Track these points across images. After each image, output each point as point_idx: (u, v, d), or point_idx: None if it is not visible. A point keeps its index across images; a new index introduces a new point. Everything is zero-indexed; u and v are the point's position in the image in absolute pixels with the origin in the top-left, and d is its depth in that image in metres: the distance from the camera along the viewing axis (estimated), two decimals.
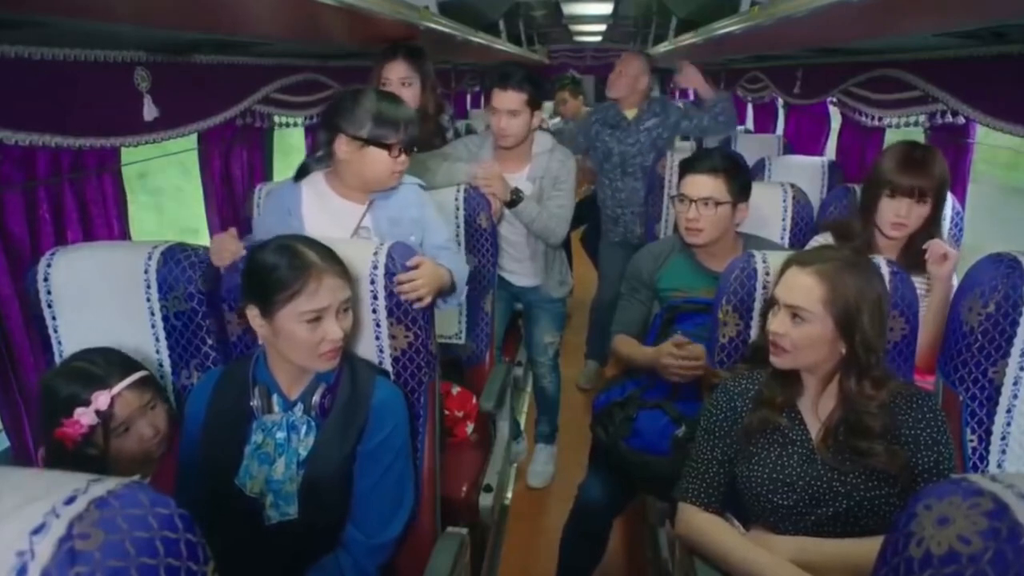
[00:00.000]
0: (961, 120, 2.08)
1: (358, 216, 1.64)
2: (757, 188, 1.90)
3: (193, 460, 1.31)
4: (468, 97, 6.25)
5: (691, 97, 7.30)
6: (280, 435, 1.29)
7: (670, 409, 1.67)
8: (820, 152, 3.38)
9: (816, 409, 1.27)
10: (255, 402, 1.30)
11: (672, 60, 4.67)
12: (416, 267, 1.42)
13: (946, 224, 1.92)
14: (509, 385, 2.30)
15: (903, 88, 2.26)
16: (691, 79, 2.92)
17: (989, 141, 2.26)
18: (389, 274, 1.40)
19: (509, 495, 2.63)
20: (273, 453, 1.28)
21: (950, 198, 1.91)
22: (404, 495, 1.36)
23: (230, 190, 2.27)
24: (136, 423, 1.33)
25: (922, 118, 2.25)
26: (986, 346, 1.30)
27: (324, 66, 2.63)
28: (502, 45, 4.21)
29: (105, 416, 1.29)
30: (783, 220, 2.14)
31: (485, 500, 1.96)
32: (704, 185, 1.78)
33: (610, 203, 3.10)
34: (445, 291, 1.58)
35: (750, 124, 4.96)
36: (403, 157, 1.60)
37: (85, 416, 1.27)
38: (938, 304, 1.65)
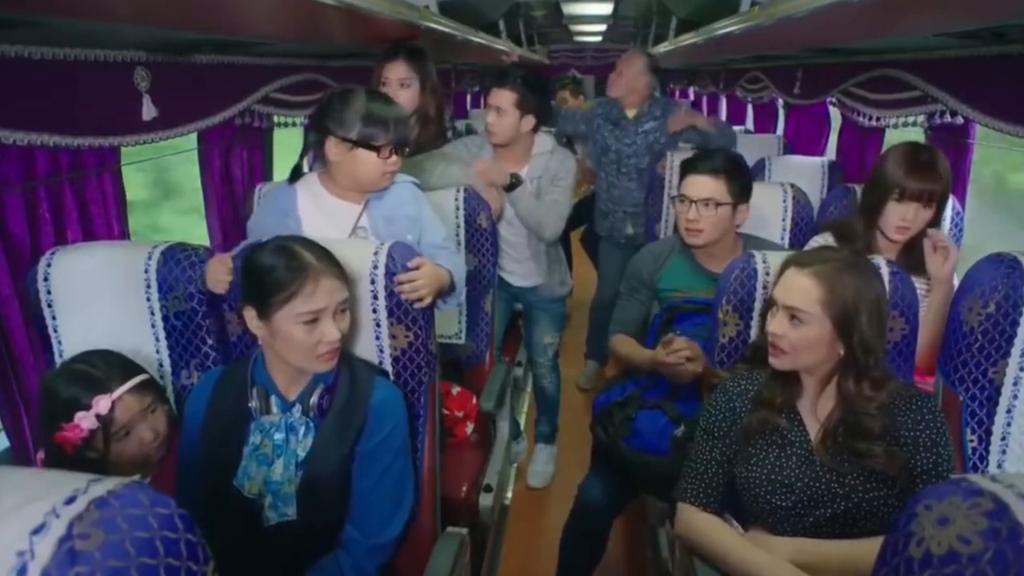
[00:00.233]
0: (960, 120, 2.08)
1: (354, 216, 1.63)
2: (757, 188, 1.90)
3: (192, 460, 1.31)
4: (468, 97, 6.25)
5: (691, 96, 7.33)
6: (278, 436, 1.28)
7: (669, 409, 1.67)
8: (820, 152, 3.38)
9: (815, 410, 1.27)
10: (253, 403, 1.30)
11: (673, 60, 4.68)
12: (417, 268, 1.42)
13: (946, 224, 1.92)
14: (509, 385, 2.30)
15: (903, 88, 2.26)
16: (682, 122, 2.89)
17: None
18: (389, 274, 1.40)
19: (509, 495, 2.63)
20: (271, 454, 1.28)
21: (950, 199, 1.91)
22: (403, 495, 1.36)
23: (230, 190, 2.26)
24: (136, 427, 1.33)
25: (922, 118, 2.25)
26: (986, 346, 1.30)
27: (324, 66, 2.63)
28: (502, 45, 4.21)
29: (106, 420, 1.28)
30: (783, 220, 2.14)
31: (485, 500, 1.96)
32: (705, 186, 1.78)
33: (604, 198, 3.14)
34: (445, 291, 1.58)
35: (750, 124, 4.95)
36: (394, 158, 1.58)
37: (86, 420, 1.26)
38: (938, 305, 1.65)
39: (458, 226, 2.08)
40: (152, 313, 1.49)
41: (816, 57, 2.96)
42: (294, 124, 2.53)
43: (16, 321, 1.48)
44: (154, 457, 1.36)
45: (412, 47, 2.15)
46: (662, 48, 4.49)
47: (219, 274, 1.43)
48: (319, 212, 1.62)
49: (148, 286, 1.47)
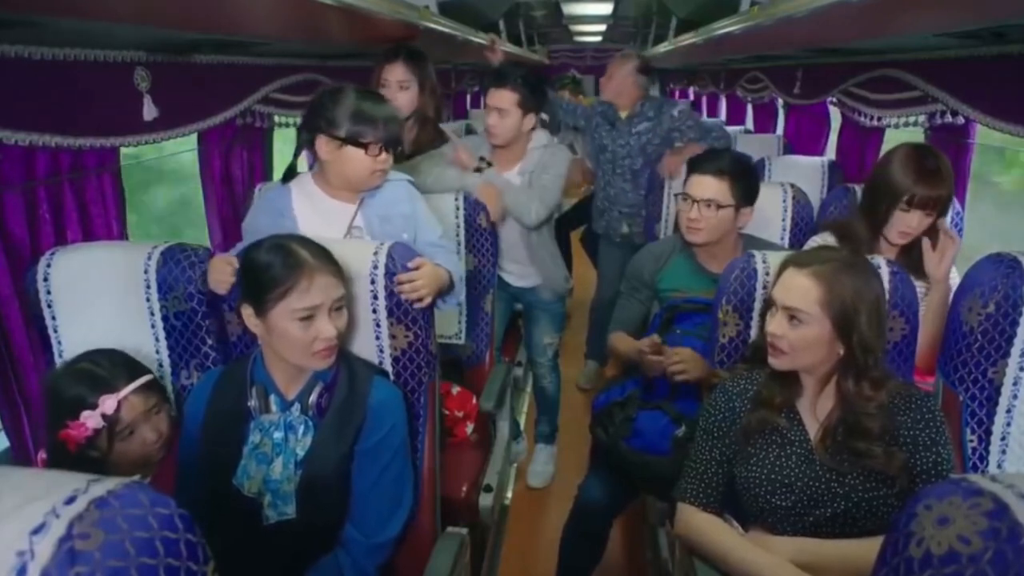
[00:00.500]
0: (961, 120, 2.08)
1: (349, 215, 1.63)
2: None
3: (192, 460, 1.31)
4: (468, 97, 6.25)
5: (691, 96, 7.33)
6: (277, 435, 1.29)
7: (670, 409, 1.67)
8: (820, 152, 3.38)
9: (815, 410, 1.27)
10: (252, 402, 1.30)
11: (673, 60, 4.67)
12: (417, 268, 1.42)
13: (946, 225, 1.92)
14: (509, 385, 2.30)
15: (903, 88, 2.26)
16: (675, 166, 2.61)
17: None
18: (389, 274, 1.40)
19: (509, 495, 2.63)
20: (271, 453, 1.28)
21: (954, 208, 1.91)
22: (403, 495, 1.36)
23: (230, 190, 2.27)
24: (140, 427, 1.33)
25: (922, 118, 2.25)
26: (986, 346, 1.30)
27: (324, 66, 2.63)
28: (502, 45, 4.20)
29: (111, 420, 1.29)
30: (783, 220, 2.14)
31: (485, 500, 1.96)
32: (708, 187, 1.78)
33: (600, 196, 3.16)
34: (444, 291, 1.58)
35: (750, 124, 4.95)
36: (384, 156, 1.57)
37: (91, 420, 1.27)
38: (937, 304, 1.65)
39: (458, 226, 2.08)
40: (152, 313, 1.49)
41: (816, 57, 2.96)
42: (295, 124, 2.53)
43: (16, 321, 1.48)
44: (155, 457, 1.36)
45: (411, 49, 2.15)
46: (662, 48, 4.49)
47: (223, 274, 1.42)
48: (314, 211, 1.62)
49: (148, 286, 1.47)
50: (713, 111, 6.53)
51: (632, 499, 1.88)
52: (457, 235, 2.08)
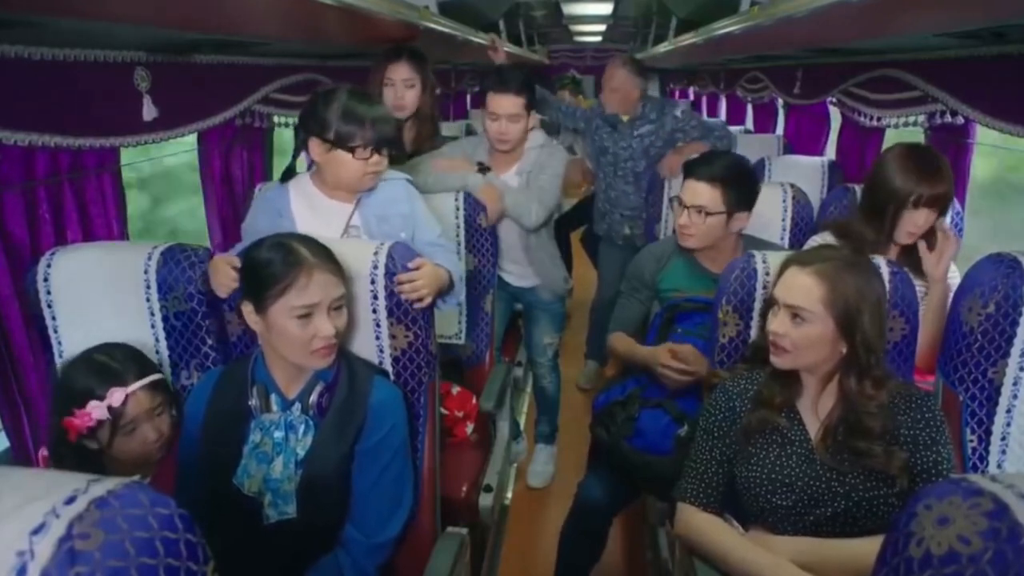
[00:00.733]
0: (961, 120, 2.08)
1: (346, 215, 1.63)
2: None
3: (193, 460, 1.31)
4: (468, 97, 6.25)
5: (691, 96, 7.33)
6: (278, 434, 1.29)
7: (672, 408, 1.67)
8: (820, 152, 3.38)
9: (815, 409, 1.27)
10: (253, 401, 1.30)
11: (673, 60, 4.67)
12: (417, 268, 1.42)
13: (945, 224, 1.92)
14: (509, 385, 2.30)
15: (903, 88, 2.26)
16: (675, 165, 2.61)
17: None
18: (389, 274, 1.40)
19: (509, 495, 2.63)
20: (271, 452, 1.28)
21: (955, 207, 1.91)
22: (403, 495, 1.36)
23: (230, 190, 2.27)
24: (142, 425, 1.34)
25: (922, 118, 2.25)
26: (986, 346, 1.30)
27: (324, 66, 2.63)
28: (503, 45, 4.20)
29: (116, 413, 1.30)
30: (783, 220, 2.14)
31: (485, 500, 1.96)
32: (699, 193, 1.77)
33: (601, 198, 3.15)
34: (444, 291, 1.58)
35: (750, 124, 4.95)
36: (376, 158, 1.56)
37: (97, 410, 1.28)
38: (936, 304, 1.65)
39: (458, 226, 2.08)
40: (152, 313, 1.49)
41: (816, 57, 2.96)
42: (295, 125, 2.53)
43: (16, 321, 1.48)
44: (153, 457, 1.37)
45: (413, 48, 2.16)
46: (662, 48, 4.49)
47: (226, 278, 1.41)
48: (312, 211, 1.62)
49: (148, 286, 1.47)
50: (713, 111, 6.53)
51: (632, 499, 1.87)
52: (457, 235, 2.08)
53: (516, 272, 2.40)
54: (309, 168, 1.71)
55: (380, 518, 1.32)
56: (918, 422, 1.21)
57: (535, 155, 2.24)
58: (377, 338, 1.44)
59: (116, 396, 1.30)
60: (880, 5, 1.35)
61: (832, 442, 1.23)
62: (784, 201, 2.14)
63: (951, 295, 1.44)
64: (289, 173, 1.68)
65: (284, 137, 2.60)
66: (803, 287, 1.22)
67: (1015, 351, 1.28)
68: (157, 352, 1.52)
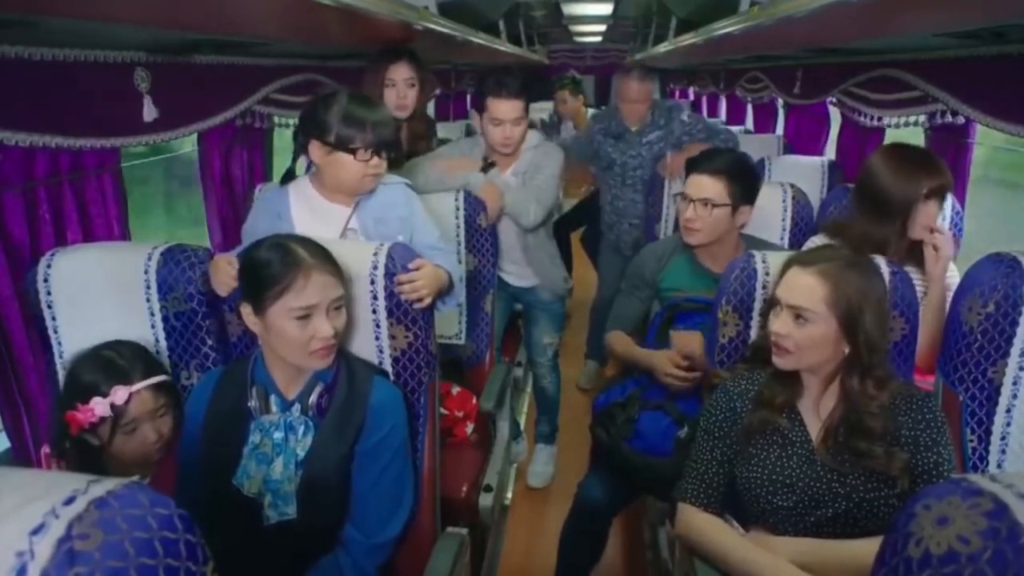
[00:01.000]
0: (961, 120, 2.08)
1: (344, 218, 1.64)
2: None
3: (193, 460, 1.31)
4: (468, 97, 6.25)
5: (691, 96, 7.32)
6: (278, 435, 1.29)
7: (672, 409, 1.67)
8: (820, 152, 3.38)
9: (816, 410, 1.27)
10: (252, 402, 1.30)
11: (672, 60, 4.67)
12: (417, 269, 1.43)
13: (946, 224, 1.92)
14: (509, 385, 2.30)
15: (903, 88, 2.26)
16: (677, 166, 2.56)
17: None
18: (389, 274, 1.40)
19: (509, 495, 2.62)
20: (271, 453, 1.28)
21: (950, 198, 1.91)
22: (403, 495, 1.36)
23: (230, 190, 2.27)
24: (143, 425, 1.34)
25: (922, 118, 2.25)
26: (986, 346, 1.30)
27: (324, 66, 2.63)
28: (502, 45, 4.21)
29: (118, 411, 1.31)
30: (783, 220, 2.14)
31: (485, 500, 1.96)
32: (704, 186, 1.78)
33: (608, 209, 3.11)
34: (444, 292, 1.58)
35: (750, 124, 4.95)
36: (375, 160, 1.57)
37: (100, 406, 1.29)
38: (935, 304, 1.65)
39: (458, 227, 2.08)
40: (152, 314, 1.49)
41: (816, 57, 2.95)
42: (295, 125, 2.53)
43: (16, 322, 1.48)
44: (152, 458, 1.37)
45: (411, 48, 2.17)
46: (662, 48, 4.48)
47: (226, 276, 1.42)
48: (311, 214, 1.63)
49: (148, 287, 1.47)
50: (713, 111, 6.53)
51: (632, 499, 1.88)
52: (457, 235, 2.08)
53: (516, 272, 2.40)
54: (307, 171, 1.71)
55: (380, 518, 1.32)
56: (919, 423, 1.21)
57: (531, 155, 2.24)
58: (377, 338, 1.44)
59: (120, 394, 1.30)
60: (880, 5, 1.34)
61: (833, 443, 1.23)
62: (784, 201, 2.14)
63: (950, 295, 1.44)
64: (289, 176, 1.68)
65: (285, 138, 2.60)
66: (806, 287, 1.21)
67: (1015, 351, 1.28)
68: (157, 352, 1.52)
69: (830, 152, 3.28)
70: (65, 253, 1.47)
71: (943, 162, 1.68)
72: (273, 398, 1.31)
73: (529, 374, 3.07)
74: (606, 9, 5.85)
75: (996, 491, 0.49)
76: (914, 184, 1.62)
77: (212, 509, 1.26)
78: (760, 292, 1.49)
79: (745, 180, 1.81)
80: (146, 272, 1.47)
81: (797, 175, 2.54)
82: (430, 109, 4.08)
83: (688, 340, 1.70)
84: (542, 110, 4.99)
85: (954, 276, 1.66)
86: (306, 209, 1.64)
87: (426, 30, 2.03)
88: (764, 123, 4.57)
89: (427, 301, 1.44)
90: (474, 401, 2.07)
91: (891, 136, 2.58)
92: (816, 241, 1.79)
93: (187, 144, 2.23)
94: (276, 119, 2.42)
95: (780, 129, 4.11)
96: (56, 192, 1.54)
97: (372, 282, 1.40)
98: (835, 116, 3.16)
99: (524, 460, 2.83)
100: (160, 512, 0.48)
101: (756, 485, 1.25)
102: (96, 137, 1.56)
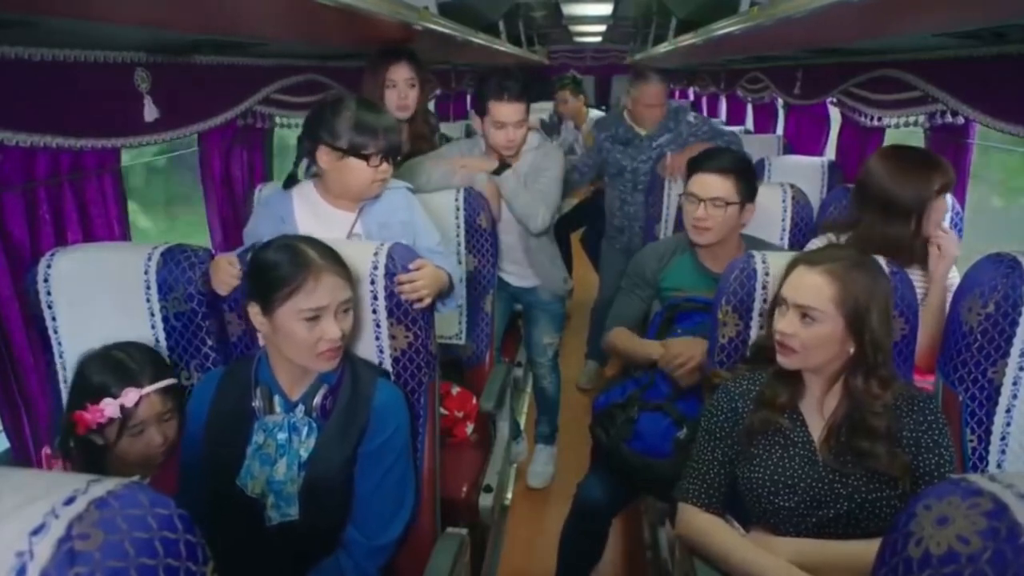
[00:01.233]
0: (961, 120, 2.08)
1: (349, 223, 1.65)
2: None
3: (196, 460, 1.31)
4: (468, 97, 6.25)
5: (691, 96, 7.32)
6: (281, 436, 1.29)
7: (672, 410, 1.67)
8: (820, 152, 3.38)
9: (819, 410, 1.27)
10: (257, 403, 1.30)
11: (672, 60, 4.67)
12: (418, 269, 1.43)
13: (946, 224, 1.92)
14: (509, 385, 2.30)
15: (903, 88, 2.26)
16: (677, 166, 2.54)
17: None
18: (389, 275, 1.40)
19: (509, 495, 2.62)
20: (274, 454, 1.28)
21: (950, 198, 1.91)
22: (405, 496, 1.36)
23: (230, 190, 2.27)
24: (150, 428, 1.34)
25: (922, 118, 2.25)
26: (985, 346, 1.30)
27: (324, 66, 2.63)
28: (502, 46, 4.21)
29: (127, 413, 1.31)
30: (783, 220, 2.14)
31: (485, 500, 1.96)
32: (714, 185, 1.78)
33: (618, 214, 3.09)
34: (444, 293, 1.58)
35: (750, 124, 4.95)
36: (384, 166, 1.59)
37: (109, 408, 1.29)
38: (935, 304, 1.65)
39: (458, 227, 2.08)
40: (152, 314, 1.49)
41: (816, 57, 2.95)
42: (295, 125, 2.53)
43: (16, 322, 1.48)
44: (155, 461, 1.37)
45: (410, 49, 2.17)
46: (662, 48, 4.48)
47: (226, 275, 1.43)
48: (315, 219, 1.63)
49: (148, 287, 1.47)
50: (713, 111, 6.53)
51: (632, 499, 1.88)
52: (457, 235, 2.08)
53: (516, 272, 2.40)
54: (306, 174, 1.71)
55: (382, 520, 1.32)
56: (920, 424, 1.21)
57: (531, 157, 2.24)
58: (377, 338, 1.44)
59: (130, 396, 1.30)
60: (880, 5, 1.35)
61: (835, 443, 1.23)
62: (784, 201, 2.14)
63: (950, 295, 1.44)
64: (292, 180, 1.68)
65: (284, 138, 2.60)
66: (813, 287, 1.21)
67: (1015, 351, 1.28)
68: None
69: (830, 152, 3.28)
70: (65, 253, 1.47)
71: (945, 159, 1.69)
72: (277, 399, 1.31)
73: (529, 374, 3.07)
74: (606, 9, 5.85)
75: (996, 491, 0.49)
76: (926, 182, 1.63)
77: (214, 509, 1.26)
78: (760, 292, 1.49)
79: (749, 178, 1.83)
80: (146, 272, 1.47)
81: (797, 175, 2.54)
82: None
83: (689, 345, 1.69)
84: (542, 110, 4.99)
85: (953, 277, 1.66)
86: (310, 214, 1.64)
87: (426, 30, 2.03)
88: (764, 123, 4.57)
89: (427, 301, 1.44)
90: (474, 401, 2.06)
91: (891, 136, 2.58)
92: (819, 242, 1.79)
93: None
94: (277, 119, 2.42)
95: (780, 129, 4.11)
96: (56, 192, 1.54)
97: (372, 282, 1.40)
98: (835, 116, 3.16)
99: (524, 460, 2.83)
100: (160, 512, 0.48)
101: (758, 485, 1.25)
102: (96, 137, 1.56)
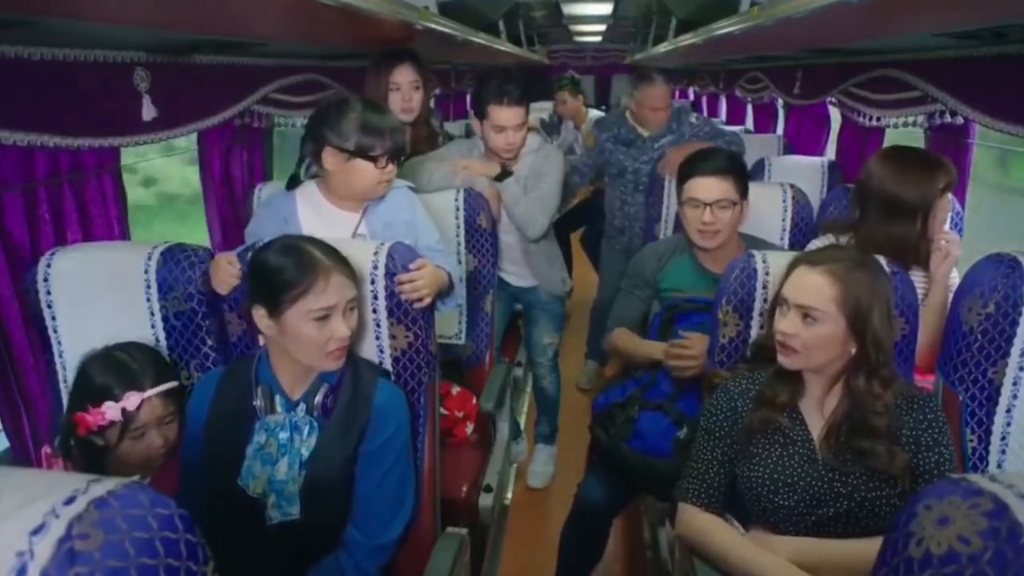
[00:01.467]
0: (960, 120, 2.08)
1: (353, 224, 1.65)
2: (757, 188, 1.90)
3: (196, 460, 1.31)
4: (468, 97, 6.26)
5: (691, 96, 7.32)
6: (283, 435, 1.29)
7: (672, 410, 1.67)
8: (820, 152, 3.38)
9: (818, 409, 1.27)
10: (258, 402, 1.30)
11: (672, 60, 4.67)
12: (418, 269, 1.43)
13: (946, 225, 1.92)
14: (509, 385, 2.30)
15: (903, 88, 2.26)
16: (674, 164, 2.49)
17: None
18: (389, 274, 1.40)
19: (509, 495, 2.63)
20: (276, 453, 1.28)
21: (951, 199, 1.91)
22: (405, 496, 1.36)
23: (230, 190, 2.27)
24: (151, 431, 1.34)
25: (921, 118, 2.25)
26: (986, 346, 1.30)
27: (324, 66, 2.63)
28: (502, 45, 4.21)
29: (129, 416, 1.31)
30: (783, 220, 2.14)
31: (485, 500, 1.96)
32: (716, 188, 1.78)
33: (619, 215, 3.09)
34: (444, 292, 1.58)
35: (750, 124, 4.95)
36: (390, 167, 1.60)
37: (111, 411, 1.29)
38: (936, 304, 1.65)
39: (458, 227, 2.08)
40: (152, 313, 1.49)
41: (816, 57, 2.95)
42: (295, 125, 2.53)
43: (16, 321, 1.48)
44: (156, 463, 1.37)
45: (413, 50, 2.17)
46: (662, 48, 4.49)
47: (227, 275, 1.44)
48: (319, 220, 1.63)
49: (148, 286, 1.47)
50: (713, 111, 6.53)
51: (632, 499, 1.88)
52: (457, 235, 2.08)
53: (516, 272, 2.40)
54: (306, 174, 1.71)
55: (382, 520, 1.32)
56: (920, 423, 1.21)
57: (531, 160, 2.24)
58: (377, 338, 1.44)
59: (132, 400, 1.30)
60: (880, 5, 1.35)
61: (835, 442, 1.23)
62: (784, 201, 2.13)
63: (951, 295, 1.44)
64: (295, 181, 1.68)
65: (284, 138, 2.60)
66: (815, 286, 1.21)
67: (1015, 351, 1.28)
68: None
69: (830, 152, 3.28)
70: (65, 253, 1.47)
71: (946, 158, 1.70)
72: (278, 398, 1.31)
73: (529, 374, 3.07)
74: (606, 9, 5.86)
75: (996, 491, 0.49)
76: (930, 182, 1.63)
77: (214, 509, 1.26)
78: (760, 292, 1.49)
79: (743, 176, 1.83)
80: (146, 272, 1.47)
81: (797, 175, 2.54)
82: None
83: (702, 341, 1.69)
84: (542, 110, 4.99)
85: (954, 277, 1.67)
86: (314, 215, 1.64)
87: (426, 30, 2.03)
88: (764, 123, 4.57)
89: (427, 301, 1.44)
90: (474, 401, 2.06)
91: (891, 136, 2.58)
92: (820, 243, 1.79)
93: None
94: (276, 119, 2.42)
95: (780, 129, 4.11)
96: (56, 192, 1.54)
97: (372, 282, 1.40)
98: (835, 116, 3.16)
99: (524, 460, 2.83)
100: (160, 512, 0.48)
101: (757, 484, 1.25)
102: (95, 137, 1.56)
